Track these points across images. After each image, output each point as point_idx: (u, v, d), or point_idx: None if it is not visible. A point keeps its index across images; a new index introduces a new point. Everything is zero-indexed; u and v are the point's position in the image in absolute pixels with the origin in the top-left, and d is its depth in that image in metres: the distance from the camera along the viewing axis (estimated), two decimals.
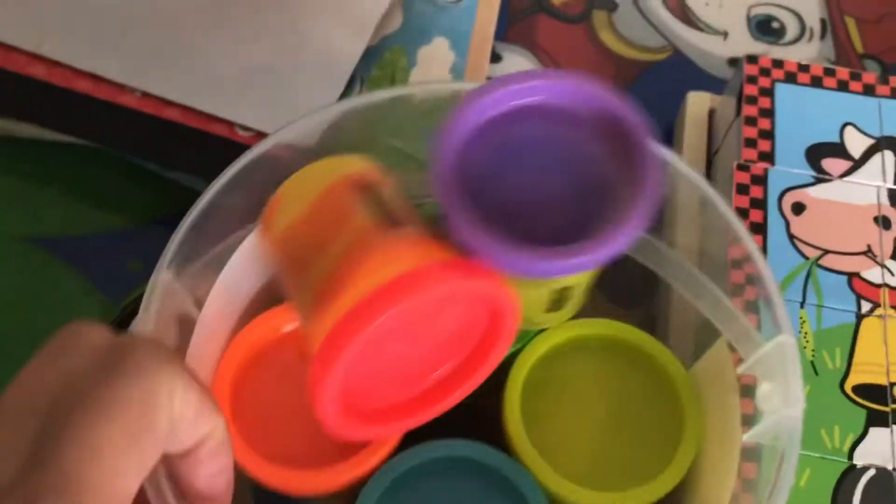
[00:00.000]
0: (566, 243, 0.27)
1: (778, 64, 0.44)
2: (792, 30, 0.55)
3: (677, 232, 0.35)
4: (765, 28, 0.55)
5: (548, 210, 0.28)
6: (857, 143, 0.42)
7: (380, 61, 0.48)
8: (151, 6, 0.47)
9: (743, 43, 0.54)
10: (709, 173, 0.46)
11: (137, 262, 0.45)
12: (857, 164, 0.41)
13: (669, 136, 0.51)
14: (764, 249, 0.38)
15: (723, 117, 0.46)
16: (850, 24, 0.56)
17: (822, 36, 0.55)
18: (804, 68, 0.44)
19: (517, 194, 0.28)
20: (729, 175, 0.41)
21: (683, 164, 0.32)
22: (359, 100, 0.34)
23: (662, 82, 0.53)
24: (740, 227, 0.32)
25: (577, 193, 0.28)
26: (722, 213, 0.32)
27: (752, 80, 0.43)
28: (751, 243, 0.31)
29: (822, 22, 0.55)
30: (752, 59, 0.44)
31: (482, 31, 0.51)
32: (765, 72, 0.43)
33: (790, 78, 0.43)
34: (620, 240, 0.26)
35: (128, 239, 0.46)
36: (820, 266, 0.38)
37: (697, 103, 0.48)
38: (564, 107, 0.29)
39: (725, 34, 0.55)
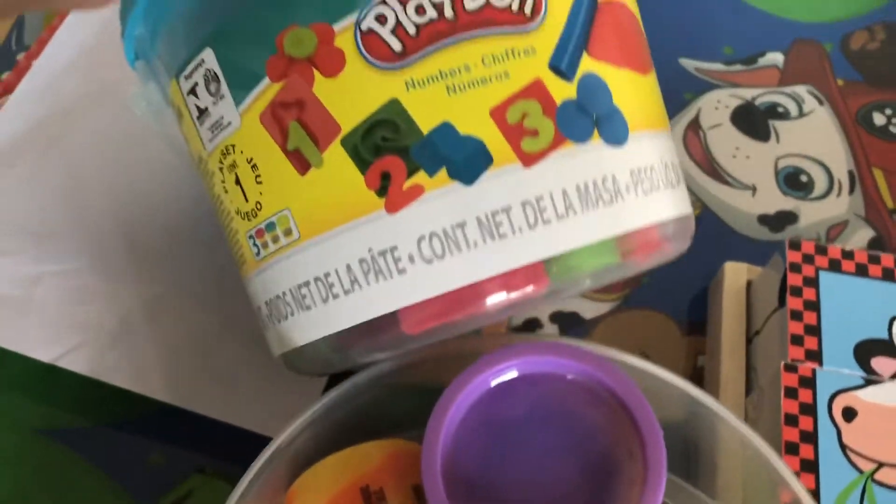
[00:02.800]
0: None
1: (821, 250, 0.43)
2: (820, 183, 0.54)
3: (717, 479, 0.34)
4: (793, 182, 0.54)
5: (554, 494, 0.27)
6: None
7: None
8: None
9: (772, 198, 0.54)
10: (748, 356, 0.45)
11: (156, 455, 0.43)
12: None
13: (701, 302, 0.50)
14: (816, 462, 0.37)
15: (762, 296, 0.45)
16: (878, 176, 0.55)
17: (851, 190, 0.54)
18: (848, 255, 0.43)
19: (518, 480, 0.26)
20: (774, 373, 0.40)
21: (724, 410, 0.31)
22: None
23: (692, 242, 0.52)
24: (788, 473, 0.30)
25: (581, 472, 0.27)
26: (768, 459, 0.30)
27: (795, 268, 0.42)
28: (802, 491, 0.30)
29: (850, 174, 0.55)
30: (794, 244, 0.43)
31: None
32: (808, 258, 0.43)
33: (834, 266, 0.42)
34: None
35: (140, 429, 0.44)
36: (875, 481, 0.37)
37: (734, 276, 0.47)
38: (551, 375, 0.28)
39: (754, 189, 0.54)
